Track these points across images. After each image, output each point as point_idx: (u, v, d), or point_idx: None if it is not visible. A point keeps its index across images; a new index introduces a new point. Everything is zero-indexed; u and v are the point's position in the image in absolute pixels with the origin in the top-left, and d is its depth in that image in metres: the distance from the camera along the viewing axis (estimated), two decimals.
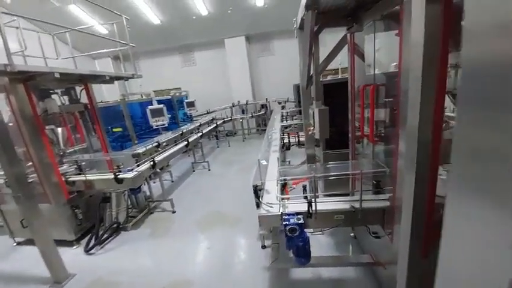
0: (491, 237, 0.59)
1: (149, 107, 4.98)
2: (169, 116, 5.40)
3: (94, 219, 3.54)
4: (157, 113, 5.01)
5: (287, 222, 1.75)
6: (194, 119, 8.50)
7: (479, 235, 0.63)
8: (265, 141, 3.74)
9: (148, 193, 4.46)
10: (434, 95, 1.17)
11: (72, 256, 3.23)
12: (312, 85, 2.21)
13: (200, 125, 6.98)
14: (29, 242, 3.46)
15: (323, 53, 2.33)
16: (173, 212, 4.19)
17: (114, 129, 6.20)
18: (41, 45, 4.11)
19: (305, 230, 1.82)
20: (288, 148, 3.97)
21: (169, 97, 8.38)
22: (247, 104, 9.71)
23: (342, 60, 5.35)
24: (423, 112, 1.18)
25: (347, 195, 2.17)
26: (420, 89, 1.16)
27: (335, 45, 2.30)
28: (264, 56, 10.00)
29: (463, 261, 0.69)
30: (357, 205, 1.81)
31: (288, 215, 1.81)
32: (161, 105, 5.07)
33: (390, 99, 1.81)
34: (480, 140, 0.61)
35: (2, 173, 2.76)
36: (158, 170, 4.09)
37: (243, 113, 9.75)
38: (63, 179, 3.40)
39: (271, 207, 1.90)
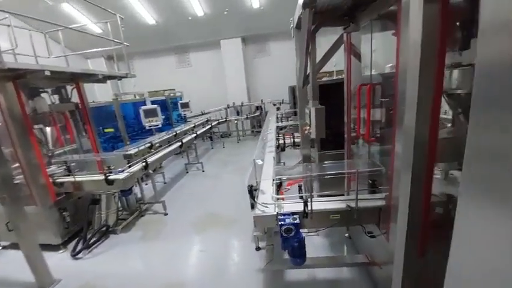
0: (503, 238, 0.58)
1: (142, 107, 4.90)
2: (163, 117, 5.32)
3: (82, 222, 3.42)
4: (150, 113, 4.94)
5: (283, 222, 1.72)
6: (188, 120, 8.43)
7: (491, 236, 0.62)
8: (260, 141, 3.71)
9: (139, 195, 4.35)
10: (431, 94, 1.17)
11: (58, 261, 3.10)
12: (308, 84, 2.20)
13: (194, 126, 6.92)
14: (15, 246, 3.32)
15: (318, 54, 2.33)
16: (166, 214, 4.10)
17: (106, 130, 6.07)
18: (32, 44, 4.01)
19: (300, 230, 1.79)
20: (283, 149, 3.95)
21: (163, 98, 8.29)
22: (242, 105, 9.70)
23: (337, 62, 5.43)
24: (420, 112, 1.18)
25: (342, 196, 2.16)
26: (418, 89, 1.16)
27: (329, 47, 2.30)
28: (260, 58, 10.04)
29: (473, 262, 0.68)
30: (353, 204, 1.79)
31: (284, 215, 1.78)
32: (155, 106, 5.00)
33: (386, 99, 1.82)
34: (494, 142, 0.60)
35: None
36: (150, 171, 4.01)
37: (237, 114, 9.72)
38: (50, 180, 3.28)
39: (266, 207, 1.86)
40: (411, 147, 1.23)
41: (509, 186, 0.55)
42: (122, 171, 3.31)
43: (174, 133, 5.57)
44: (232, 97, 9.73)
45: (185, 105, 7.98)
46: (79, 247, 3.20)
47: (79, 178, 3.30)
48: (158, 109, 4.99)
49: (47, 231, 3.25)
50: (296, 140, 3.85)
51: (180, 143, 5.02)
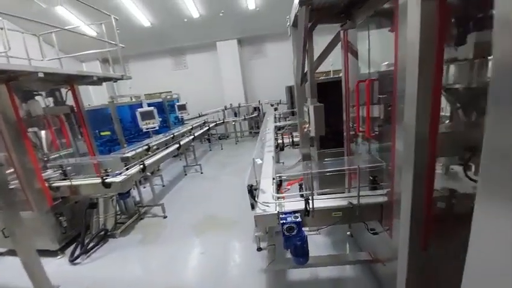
0: None
1: (139, 109, 4.86)
2: (160, 119, 5.29)
3: (80, 227, 3.37)
4: (147, 115, 4.90)
5: (284, 221, 1.70)
6: (185, 122, 8.39)
7: (509, 236, 0.60)
8: (258, 142, 3.70)
9: (137, 198, 4.30)
10: (430, 90, 1.17)
11: (56, 266, 3.04)
12: (306, 82, 2.20)
13: (192, 128, 6.88)
14: (12, 252, 3.25)
15: (315, 53, 2.33)
16: (165, 217, 4.06)
17: (102, 133, 6.01)
18: (25, 47, 3.96)
19: (302, 228, 1.78)
20: (282, 149, 3.94)
21: (160, 100, 8.24)
22: (239, 106, 9.68)
23: (333, 61, 5.46)
24: (420, 107, 1.18)
25: (343, 193, 2.15)
26: (417, 85, 1.15)
27: (326, 45, 2.30)
28: (256, 59, 10.05)
29: (491, 263, 0.67)
30: (354, 201, 1.79)
31: (285, 213, 1.76)
32: (152, 108, 4.96)
33: (384, 96, 1.82)
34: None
35: None
36: (148, 174, 3.96)
37: (235, 115, 9.70)
38: (46, 184, 3.22)
39: (267, 206, 1.85)
40: (413, 144, 1.23)
41: None
42: (120, 174, 3.26)
43: (172, 135, 5.53)
44: (230, 98, 9.72)
45: (183, 107, 7.95)
46: (77, 252, 3.14)
47: (75, 182, 3.24)
48: (155, 111, 4.96)
49: (44, 237, 3.18)
50: (295, 139, 3.85)
51: (178, 145, 4.98)
